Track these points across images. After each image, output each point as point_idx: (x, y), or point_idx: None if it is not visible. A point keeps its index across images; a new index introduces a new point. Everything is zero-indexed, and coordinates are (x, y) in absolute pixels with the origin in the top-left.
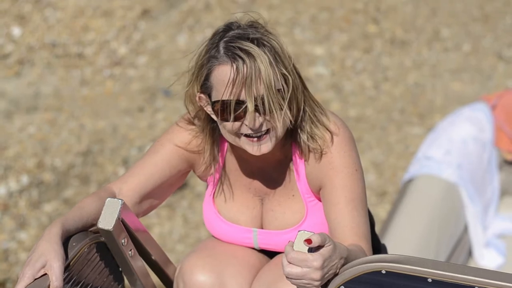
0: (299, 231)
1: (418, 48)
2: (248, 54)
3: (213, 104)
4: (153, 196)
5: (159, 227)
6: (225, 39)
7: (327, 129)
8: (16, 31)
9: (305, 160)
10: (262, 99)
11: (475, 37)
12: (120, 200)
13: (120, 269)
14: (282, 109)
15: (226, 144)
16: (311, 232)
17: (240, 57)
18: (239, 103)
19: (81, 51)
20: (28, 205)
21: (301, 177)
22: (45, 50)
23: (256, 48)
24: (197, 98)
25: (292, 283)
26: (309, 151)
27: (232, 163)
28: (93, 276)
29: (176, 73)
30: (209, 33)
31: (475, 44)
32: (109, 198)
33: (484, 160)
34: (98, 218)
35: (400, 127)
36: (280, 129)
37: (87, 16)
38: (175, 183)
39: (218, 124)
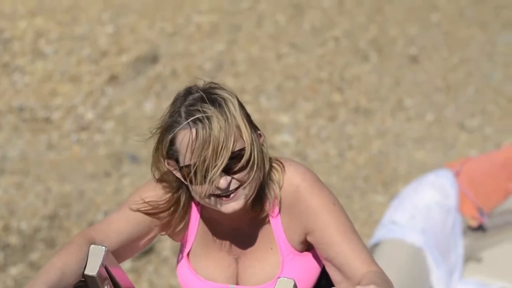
0: (278, 277)
1: (382, 117)
2: (207, 116)
3: (180, 168)
4: (120, 255)
5: None
6: (185, 103)
7: (293, 178)
8: None
9: (280, 214)
10: (225, 159)
11: (438, 107)
12: (103, 247)
13: None
14: (246, 168)
15: (199, 206)
16: (291, 278)
17: (200, 120)
18: (203, 165)
19: (48, 115)
20: None
21: (278, 232)
22: (12, 114)
23: (214, 109)
24: (165, 164)
25: None
26: (281, 204)
27: (205, 224)
28: None
29: (142, 139)
30: None
31: (438, 114)
32: (93, 245)
33: (449, 226)
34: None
35: (364, 194)
36: (248, 186)
37: (54, 81)
38: (146, 243)
39: (189, 187)
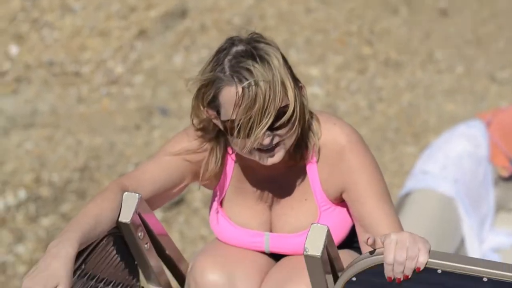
0: (312, 224)
1: (412, 69)
2: (254, 74)
3: (223, 122)
4: (152, 203)
5: None
6: (229, 57)
7: (340, 138)
8: (14, 49)
9: (318, 166)
10: (270, 118)
11: (468, 60)
12: (137, 194)
13: (136, 263)
14: (289, 123)
15: (234, 153)
16: (324, 225)
17: (246, 79)
18: (249, 122)
19: (78, 69)
20: (25, 219)
21: (315, 183)
22: (42, 69)
23: (260, 67)
24: (205, 112)
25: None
26: (323, 157)
27: (239, 171)
28: (109, 269)
29: (172, 92)
30: (204, 53)
31: (468, 66)
32: (126, 193)
33: (480, 176)
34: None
35: (394, 146)
36: (289, 139)
37: (84, 36)
38: (177, 192)
39: (228, 138)
